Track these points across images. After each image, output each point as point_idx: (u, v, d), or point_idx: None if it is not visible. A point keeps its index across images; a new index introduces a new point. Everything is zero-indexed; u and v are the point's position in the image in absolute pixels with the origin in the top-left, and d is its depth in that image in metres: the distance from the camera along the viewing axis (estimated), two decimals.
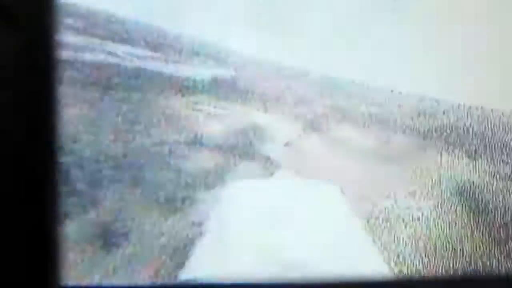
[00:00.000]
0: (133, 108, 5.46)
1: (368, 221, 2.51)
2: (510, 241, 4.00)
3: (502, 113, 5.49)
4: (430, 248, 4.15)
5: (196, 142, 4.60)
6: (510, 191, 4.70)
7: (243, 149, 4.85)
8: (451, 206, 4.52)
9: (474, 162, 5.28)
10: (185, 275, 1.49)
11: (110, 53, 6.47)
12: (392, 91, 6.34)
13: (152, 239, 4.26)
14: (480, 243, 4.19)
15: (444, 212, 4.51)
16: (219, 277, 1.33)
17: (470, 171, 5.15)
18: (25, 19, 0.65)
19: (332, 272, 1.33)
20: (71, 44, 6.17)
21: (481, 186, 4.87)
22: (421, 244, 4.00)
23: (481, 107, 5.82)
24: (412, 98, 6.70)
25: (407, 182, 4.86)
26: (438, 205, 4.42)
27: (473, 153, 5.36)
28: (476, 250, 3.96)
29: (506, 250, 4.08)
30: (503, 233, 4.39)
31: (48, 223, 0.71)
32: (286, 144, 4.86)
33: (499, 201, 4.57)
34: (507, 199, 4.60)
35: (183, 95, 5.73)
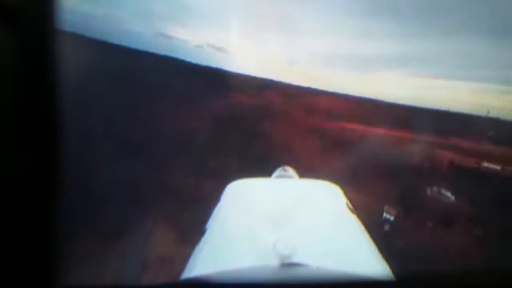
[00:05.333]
0: None
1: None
2: None
3: None
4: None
5: None
6: None
7: None
8: None
9: None
10: (185, 275, 1.49)
11: None
12: None
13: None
14: None
15: None
16: (219, 277, 1.32)
17: None
18: (25, 19, 0.65)
19: (332, 271, 1.32)
20: None
21: None
22: None
23: None
24: None
25: None
26: None
27: None
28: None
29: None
30: None
31: (49, 223, 0.72)
32: None
33: None
34: None
35: None
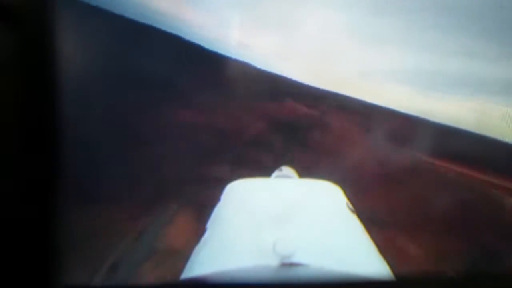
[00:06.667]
0: None
1: None
2: None
3: None
4: None
5: None
6: None
7: None
8: None
9: None
10: (184, 275, 1.49)
11: None
12: None
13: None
14: None
15: None
16: (218, 277, 1.32)
17: None
18: (25, 19, 0.65)
19: (332, 271, 1.33)
20: None
21: None
22: None
23: None
24: None
25: None
26: None
27: None
28: None
29: None
30: None
31: (49, 223, 0.72)
32: None
33: None
34: None
35: None
